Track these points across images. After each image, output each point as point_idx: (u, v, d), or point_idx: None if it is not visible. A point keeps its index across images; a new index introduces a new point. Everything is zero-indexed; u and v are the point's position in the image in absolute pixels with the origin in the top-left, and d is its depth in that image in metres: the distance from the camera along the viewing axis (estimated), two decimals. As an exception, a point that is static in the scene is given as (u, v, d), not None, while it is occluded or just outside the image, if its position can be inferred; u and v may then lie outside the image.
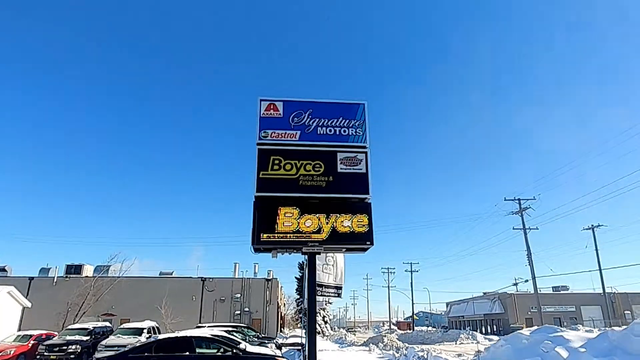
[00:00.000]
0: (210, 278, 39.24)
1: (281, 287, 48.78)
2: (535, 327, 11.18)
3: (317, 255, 8.81)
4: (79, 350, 18.25)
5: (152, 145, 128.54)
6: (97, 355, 16.45)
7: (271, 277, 41.25)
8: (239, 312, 38.14)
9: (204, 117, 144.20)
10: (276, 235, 8.06)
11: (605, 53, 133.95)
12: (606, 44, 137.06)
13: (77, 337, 19.10)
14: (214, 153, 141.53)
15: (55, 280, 36.90)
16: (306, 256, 8.85)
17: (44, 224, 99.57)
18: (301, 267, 40.42)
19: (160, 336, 12.88)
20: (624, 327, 7.86)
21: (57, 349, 17.98)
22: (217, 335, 11.98)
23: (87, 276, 36.12)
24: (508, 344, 9.35)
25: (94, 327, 21.11)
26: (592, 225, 38.36)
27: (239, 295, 38.74)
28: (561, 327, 9.89)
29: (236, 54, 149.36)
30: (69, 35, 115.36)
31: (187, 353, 10.24)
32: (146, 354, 9.95)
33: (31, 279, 36.64)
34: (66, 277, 37.18)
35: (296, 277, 48.64)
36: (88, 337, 19.60)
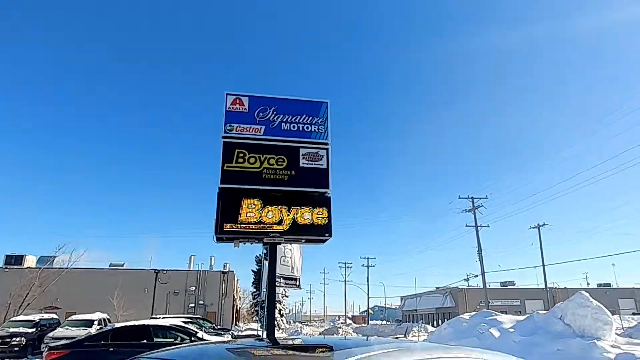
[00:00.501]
0: (163, 270, 38.35)
1: (237, 280, 48.57)
2: (474, 312, 12.25)
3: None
4: (23, 343, 17.50)
5: (152, 145, 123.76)
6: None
7: (227, 269, 40.97)
8: (193, 305, 37.64)
9: (204, 116, 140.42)
10: (239, 225, 8.35)
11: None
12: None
13: (22, 330, 18.31)
14: (213, 153, 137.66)
15: (-7, 271, 34.73)
16: (267, 247, 9.22)
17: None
18: (259, 260, 40.41)
19: (117, 324, 12.76)
20: (547, 311, 8.91)
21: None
22: (175, 325, 12.07)
23: (29, 267, 34.25)
24: (450, 327, 10.31)
25: (40, 319, 20.26)
26: (538, 224, 39.96)
27: (193, 287, 38.19)
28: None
29: (235, 54, 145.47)
30: (69, 35, 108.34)
31: (145, 341, 10.28)
32: (102, 342, 9.90)
33: (-34, 270, 34.30)
34: (5, 267, 35.10)
35: (253, 270, 48.48)
36: (33, 330, 18.82)
